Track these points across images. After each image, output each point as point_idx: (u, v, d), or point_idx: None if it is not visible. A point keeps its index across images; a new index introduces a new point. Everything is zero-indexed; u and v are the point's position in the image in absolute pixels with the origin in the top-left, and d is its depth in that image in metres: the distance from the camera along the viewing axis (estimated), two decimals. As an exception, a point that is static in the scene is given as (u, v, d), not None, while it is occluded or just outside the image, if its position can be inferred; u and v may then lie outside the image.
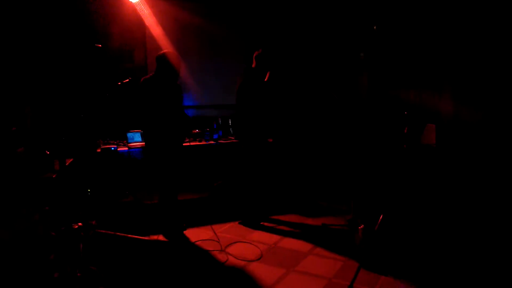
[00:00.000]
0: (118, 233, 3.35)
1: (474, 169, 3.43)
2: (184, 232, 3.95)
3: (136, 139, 4.64)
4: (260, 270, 3.24)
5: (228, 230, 4.08)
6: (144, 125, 3.82)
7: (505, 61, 3.30)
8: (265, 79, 4.20)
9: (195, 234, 3.93)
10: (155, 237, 3.80)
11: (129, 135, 4.61)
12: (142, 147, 4.44)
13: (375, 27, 4.43)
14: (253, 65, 4.16)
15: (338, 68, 5.47)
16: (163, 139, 3.70)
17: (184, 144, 4.73)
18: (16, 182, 2.79)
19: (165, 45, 5.43)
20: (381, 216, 3.26)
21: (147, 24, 5.39)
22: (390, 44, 4.52)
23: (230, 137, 5.17)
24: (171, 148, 3.74)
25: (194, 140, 4.88)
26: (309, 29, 5.74)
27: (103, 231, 3.28)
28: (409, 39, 4.26)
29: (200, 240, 3.78)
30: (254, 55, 4.16)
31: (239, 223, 4.26)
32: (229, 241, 3.78)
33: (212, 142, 4.93)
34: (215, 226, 4.11)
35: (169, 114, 3.69)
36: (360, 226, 3.43)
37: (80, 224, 3.10)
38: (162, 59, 3.70)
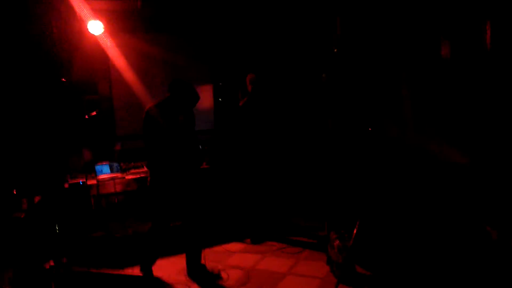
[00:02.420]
0: (91, 270, 3.25)
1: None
2: (165, 260, 3.88)
3: (104, 171, 4.56)
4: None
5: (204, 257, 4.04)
6: (157, 156, 3.44)
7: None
8: (240, 104, 4.38)
9: (174, 263, 3.86)
10: (129, 270, 3.70)
11: (98, 167, 4.53)
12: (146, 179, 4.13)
13: (335, 50, 4.65)
14: (249, 89, 4.43)
15: (305, 89, 5.66)
16: (181, 170, 3.45)
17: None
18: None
19: (130, 76, 5.43)
20: (355, 231, 3.36)
21: (110, 56, 5.38)
22: (350, 65, 4.73)
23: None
24: (189, 180, 3.52)
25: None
26: (273, 53, 5.92)
27: (76, 268, 3.17)
28: (365, 59, 4.49)
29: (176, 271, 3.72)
30: (248, 79, 4.44)
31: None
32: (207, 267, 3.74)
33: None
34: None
35: (187, 143, 3.46)
36: (335, 242, 3.50)
37: (51, 263, 3.00)
38: (181, 83, 3.49)
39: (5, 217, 2.85)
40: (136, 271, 3.68)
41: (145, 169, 4.66)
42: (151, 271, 3.50)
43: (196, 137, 3.55)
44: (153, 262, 3.54)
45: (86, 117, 3.55)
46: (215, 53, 6.12)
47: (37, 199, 3.36)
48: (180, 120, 3.41)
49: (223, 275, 3.59)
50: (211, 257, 3.90)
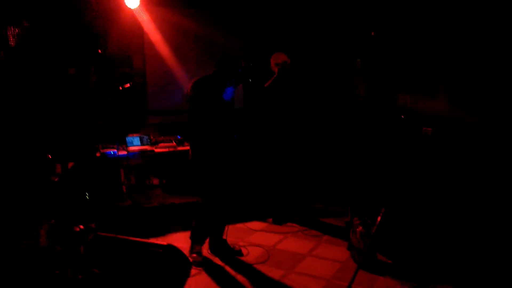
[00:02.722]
0: (118, 236, 3.36)
1: (472, 172, 3.49)
2: (180, 234, 3.97)
3: (135, 143, 4.66)
4: (261, 271, 3.28)
5: (225, 232, 4.11)
6: (202, 131, 3.36)
7: (499, 62, 3.36)
8: (266, 85, 4.30)
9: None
10: (154, 240, 3.82)
11: (128, 139, 4.64)
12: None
13: (373, 33, 4.52)
14: (274, 69, 4.31)
15: (336, 74, 5.55)
16: (223, 146, 3.42)
17: (181, 148, 4.78)
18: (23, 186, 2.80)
19: (164, 51, 5.49)
20: (379, 218, 3.32)
21: (145, 30, 5.45)
22: (387, 50, 4.60)
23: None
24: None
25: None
26: (307, 33, 5.82)
27: (104, 233, 3.29)
28: (404, 45, 4.35)
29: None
30: (272, 58, 4.31)
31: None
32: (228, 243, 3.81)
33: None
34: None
35: (230, 120, 3.45)
36: (358, 228, 3.47)
37: (81, 227, 3.13)
38: (231, 58, 3.43)
39: (41, 179, 2.98)
40: (159, 240, 3.80)
41: (174, 143, 4.74)
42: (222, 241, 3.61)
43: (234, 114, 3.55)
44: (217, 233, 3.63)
45: (120, 88, 3.61)
46: (250, 33, 6.08)
47: (70, 165, 3.49)
48: (227, 97, 3.38)
49: (244, 251, 3.65)
50: (233, 233, 3.96)
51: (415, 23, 4.22)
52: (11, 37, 3.82)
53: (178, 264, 3.22)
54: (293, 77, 4.39)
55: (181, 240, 3.73)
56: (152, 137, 4.77)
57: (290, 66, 4.31)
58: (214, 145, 3.35)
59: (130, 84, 3.73)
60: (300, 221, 4.42)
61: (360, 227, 3.44)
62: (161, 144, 4.70)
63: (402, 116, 3.46)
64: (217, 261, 3.50)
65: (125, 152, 4.46)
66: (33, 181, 2.96)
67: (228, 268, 3.36)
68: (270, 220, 4.48)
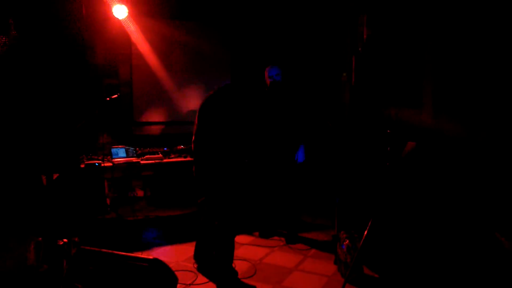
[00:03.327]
0: (102, 250, 3.29)
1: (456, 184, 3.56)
2: (165, 248, 3.91)
3: (120, 155, 4.60)
4: (248, 286, 3.24)
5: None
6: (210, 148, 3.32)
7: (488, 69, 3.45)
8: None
9: (183, 251, 3.91)
10: (139, 254, 3.75)
11: (114, 150, 4.57)
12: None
13: (360, 49, 4.61)
14: (268, 83, 4.25)
15: (321, 88, 5.63)
16: (230, 164, 3.38)
17: (167, 160, 4.74)
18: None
19: (151, 61, 5.48)
20: (365, 232, 3.34)
21: (133, 41, 5.43)
22: (373, 65, 4.70)
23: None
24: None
25: (179, 156, 4.88)
26: (295, 47, 5.90)
27: (87, 247, 3.22)
28: (390, 59, 4.45)
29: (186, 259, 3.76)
30: (267, 71, 4.26)
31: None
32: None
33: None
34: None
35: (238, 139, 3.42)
36: (344, 242, 3.49)
37: (64, 240, 3.06)
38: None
39: (27, 192, 2.91)
40: (144, 254, 3.74)
41: (160, 155, 4.69)
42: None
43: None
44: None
45: (108, 99, 3.58)
46: (238, 44, 6.12)
47: (55, 176, 3.42)
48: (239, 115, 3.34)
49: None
50: (220, 247, 3.94)
51: (399, 40, 4.34)
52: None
53: (165, 279, 3.17)
54: (282, 89, 4.40)
55: (166, 254, 3.68)
56: (138, 149, 4.71)
57: (280, 78, 4.31)
58: (220, 161, 3.29)
59: (118, 95, 3.70)
60: (287, 235, 4.41)
61: (347, 241, 3.45)
62: (147, 156, 4.65)
63: (388, 131, 3.51)
64: (202, 276, 3.46)
65: (110, 164, 4.39)
66: (19, 194, 2.88)
67: (214, 283, 3.32)
68: (257, 233, 4.46)
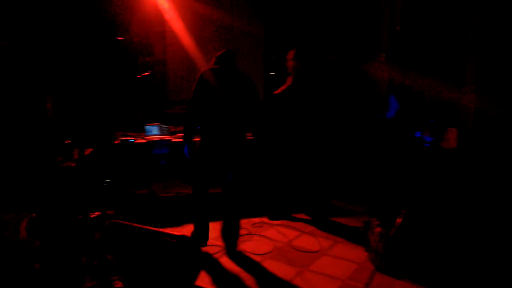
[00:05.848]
0: (134, 224, 3.37)
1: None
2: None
3: (153, 132, 4.66)
4: (274, 268, 3.23)
5: (242, 225, 4.07)
6: (208, 121, 3.48)
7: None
8: (278, 91, 4.16)
9: (215, 228, 3.93)
10: (169, 230, 3.81)
11: (147, 128, 4.64)
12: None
13: (398, 28, 4.37)
14: (289, 68, 4.13)
15: (359, 70, 5.42)
16: (229, 137, 3.52)
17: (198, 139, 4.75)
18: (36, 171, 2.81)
19: (185, 39, 5.44)
20: (399, 220, 3.22)
21: (167, 19, 5.41)
22: (412, 45, 4.45)
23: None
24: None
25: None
26: (329, 29, 5.69)
27: (120, 221, 3.30)
28: (430, 40, 4.19)
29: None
30: (290, 57, 4.10)
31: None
32: (243, 236, 3.77)
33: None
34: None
35: (238, 112, 3.47)
36: (376, 229, 3.37)
37: (98, 213, 3.14)
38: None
39: (53, 165, 2.98)
40: (174, 231, 3.79)
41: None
42: (204, 230, 3.60)
43: (249, 107, 3.52)
44: (202, 223, 3.61)
45: (139, 76, 3.59)
46: (272, 20, 5.97)
47: (88, 151, 3.50)
48: (234, 87, 3.38)
49: (258, 246, 3.60)
50: (248, 228, 3.95)
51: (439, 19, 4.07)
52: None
53: (191, 255, 3.21)
54: (310, 78, 4.21)
55: (195, 232, 3.70)
56: (171, 127, 4.75)
57: (308, 61, 4.14)
58: (217, 135, 3.46)
59: (150, 73, 3.70)
60: (313, 220, 4.32)
61: (379, 228, 3.34)
62: (179, 134, 4.68)
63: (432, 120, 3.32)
64: (227, 256, 3.47)
65: (143, 141, 4.46)
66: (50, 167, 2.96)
67: (239, 263, 3.33)
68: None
